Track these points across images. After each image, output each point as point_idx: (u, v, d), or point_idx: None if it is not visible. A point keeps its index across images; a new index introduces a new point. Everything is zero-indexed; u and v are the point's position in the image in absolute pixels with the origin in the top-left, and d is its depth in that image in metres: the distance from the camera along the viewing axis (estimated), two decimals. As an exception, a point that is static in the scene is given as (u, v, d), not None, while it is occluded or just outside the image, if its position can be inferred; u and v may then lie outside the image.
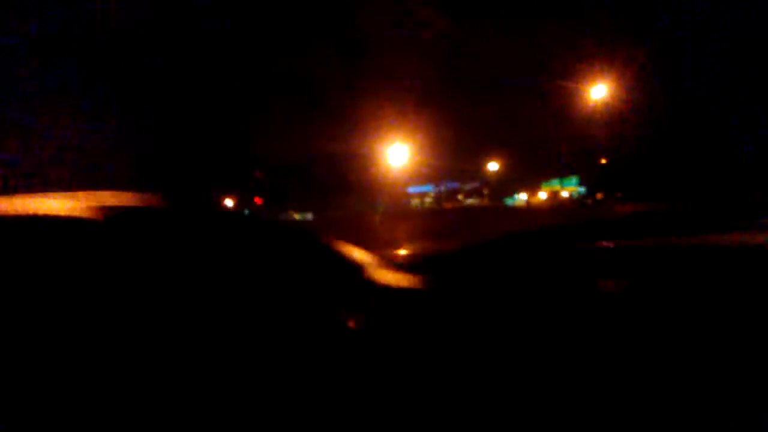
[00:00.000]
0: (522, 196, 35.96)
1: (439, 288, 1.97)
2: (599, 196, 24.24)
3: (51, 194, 1.86)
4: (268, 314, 1.62)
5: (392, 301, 1.81)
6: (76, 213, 1.73)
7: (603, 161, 23.78)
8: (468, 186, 38.66)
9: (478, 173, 35.09)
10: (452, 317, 1.69)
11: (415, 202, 38.36)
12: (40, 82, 16.70)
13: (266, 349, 1.51)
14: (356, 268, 2.00)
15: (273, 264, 1.89)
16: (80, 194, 1.90)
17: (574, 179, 33.03)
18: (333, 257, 2.08)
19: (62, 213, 1.73)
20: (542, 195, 35.42)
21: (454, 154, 29.89)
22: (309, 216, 24.57)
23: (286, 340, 1.54)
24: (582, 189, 31.73)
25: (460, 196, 39.06)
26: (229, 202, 25.17)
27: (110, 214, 1.77)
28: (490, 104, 24.82)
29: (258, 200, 26.03)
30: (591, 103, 17.29)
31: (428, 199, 39.13)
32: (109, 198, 1.92)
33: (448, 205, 32.33)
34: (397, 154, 24.19)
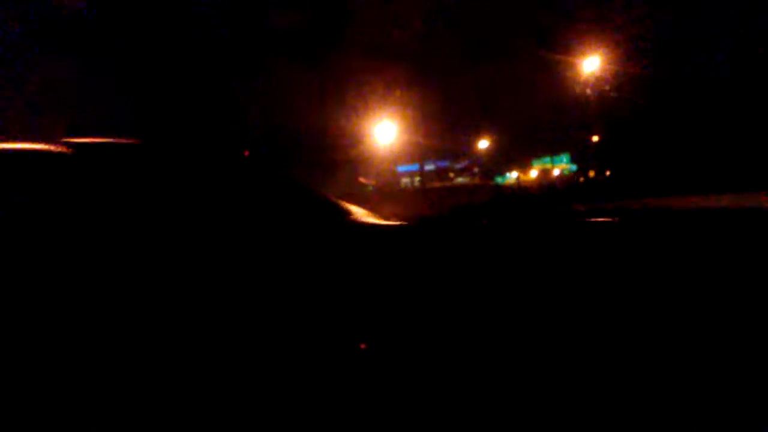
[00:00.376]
0: (513, 175, 35.54)
1: (415, 230, 2.05)
2: (591, 173, 23.81)
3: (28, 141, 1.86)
4: (251, 252, 1.61)
5: (374, 239, 1.87)
6: (44, 148, 1.74)
7: (595, 138, 23.33)
8: (458, 165, 38.18)
9: (469, 151, 34.59)
10: (427, 255, 1.74)
11: (405, 181, 37.83)
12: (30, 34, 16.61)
13: (250, 284, 1.51)
14: (342, 211, 2.04)
15: (256, 203, 1.88)
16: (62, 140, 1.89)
17: (565, 157, 32.60)
18: (319, 200, 2.10)
19: (31, 149, 1.74)
20: (533, 173, 35.04)
21: (445, 133, 29.37)
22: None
23: (275, 276, 1.55)
24: (573, 167, 31.32)
25: (451, 175, 38.60)
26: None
27: (77, 148, 1.77)
28: (481, 81, 24.25)
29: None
30: (583, 78, 16.76)
31: (418, 178, 38.61)
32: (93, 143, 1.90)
33: (435, 184, 31.86)
34: (385, 132, 23.65)
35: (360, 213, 2.13)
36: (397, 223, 2.08)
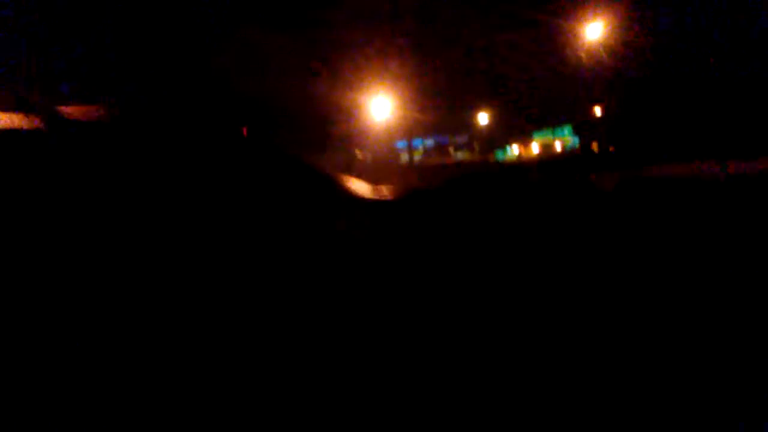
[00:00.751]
0: (514, 149, 34.97)
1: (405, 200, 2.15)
2: (594, 146, 23.18)
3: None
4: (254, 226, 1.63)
5: (369, 209, 1.97)
6: (19, 126, 1.72)
7: (597, 108, 22.66)
8: (457, 140, 37.60)
9: (468, 126, 33.94)
10: (417, 223, 1.82)
11: (405, 157, 37.31)
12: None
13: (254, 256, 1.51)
14: (334, 180, 2.13)
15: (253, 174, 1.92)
16: (50, 107, 1.88)
17: (567, 129, 31.92)
18: (314, 173, 2.18)
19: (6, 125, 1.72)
20: (535, 146, 34.43)
21: (444, 107, 28.77)
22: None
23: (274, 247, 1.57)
24: (575, 140, 30.65)
25: (451, 151, 38.14)
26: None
27: (53, 125, 1.72)
28: (478, 51, 23.57)
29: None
30: (585, 45, 16.07)
31: (419, 154, 38.09)
32: (72, 112, 1.90)
33: (433, 161, 31.40)
34: (382, 106, 23.10)
35: (358, 186, 2.22)
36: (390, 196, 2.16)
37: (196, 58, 21.20)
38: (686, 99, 17.13)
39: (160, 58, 20.48)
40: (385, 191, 2.20)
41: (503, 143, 34.77)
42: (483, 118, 31.52)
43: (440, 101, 26.93)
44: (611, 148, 21.58)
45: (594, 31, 15.38)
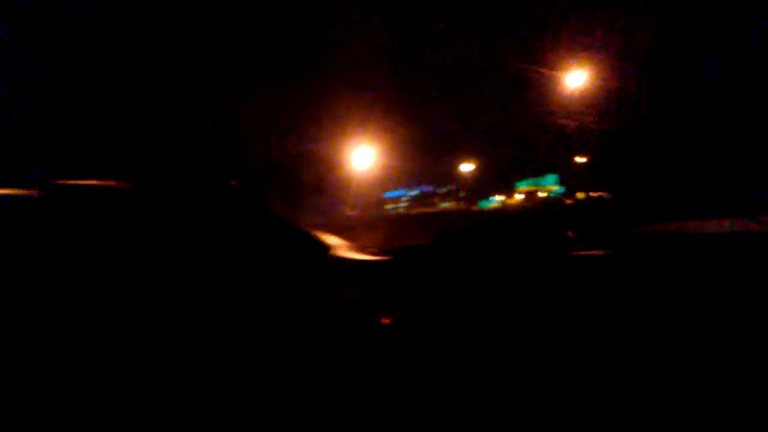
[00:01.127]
0: (498, 198, 35.00)
1: (396, 263, 2.15)
2: (580, 195, 23.07)
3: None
4: (236, 288, 1.66)
5: (355, 275, 1.94)
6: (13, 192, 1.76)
7: (582, 157, 22.69)
8: (442, 189, 37.65)
9: (453, 176, 34.03)
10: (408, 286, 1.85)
11: (389, 207, 37.24)
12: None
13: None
14: (322, 246, 2.13)
15: (242, 240, 1.96)
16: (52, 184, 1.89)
17: (551, 178, 32.00)
18: (301, 235, 2.17)
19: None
20: (519, 196, 34.48)
21: (428, 158, 28.79)
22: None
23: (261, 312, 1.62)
24: (560, 188, 30.69)
25: (435, 200, 38.22)
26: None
27: (47, 191, 1.79)
28: (462, 102, 23.76)
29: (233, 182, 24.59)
30: (567, 94, 16.08)
31: (402, 204, 38.01)
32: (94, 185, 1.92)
33: (414, 210, 31.21)
34: (365, 156, 22.95)
35: (340, 246, 2.18)
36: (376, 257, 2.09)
37: (185, 116, 21.06)
38: (671, 146, 17.15)
39: (151, 118, 20.34)
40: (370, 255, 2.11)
41: (487, 192, 34.85)
42: (467, 168, 31.60)
43: (425, 152, 26.93)
44: (601, 194, 21.56)
45: (576, 80, 15.45)
